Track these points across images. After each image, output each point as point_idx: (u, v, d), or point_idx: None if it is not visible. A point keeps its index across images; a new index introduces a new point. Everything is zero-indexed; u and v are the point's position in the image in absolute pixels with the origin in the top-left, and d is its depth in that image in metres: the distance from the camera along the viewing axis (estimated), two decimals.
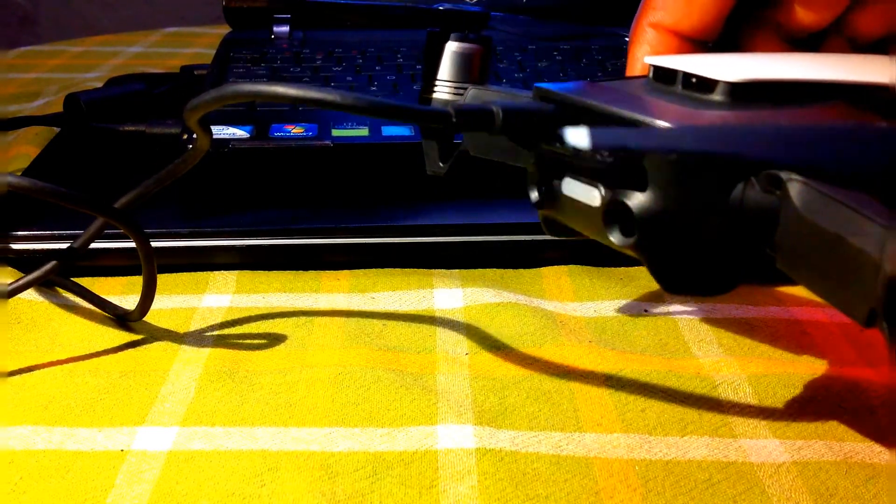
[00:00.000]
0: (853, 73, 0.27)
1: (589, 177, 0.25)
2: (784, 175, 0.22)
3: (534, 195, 0.28)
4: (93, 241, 0.35)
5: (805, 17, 0.31)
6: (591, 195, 0.25)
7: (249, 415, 0.31)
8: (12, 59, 0.80)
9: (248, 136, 0.45)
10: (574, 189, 0.26)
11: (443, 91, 0.33)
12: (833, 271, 0.22)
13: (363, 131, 0.47)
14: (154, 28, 0.91)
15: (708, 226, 0.24)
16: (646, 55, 0.31)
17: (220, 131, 0.45)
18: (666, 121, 0.24)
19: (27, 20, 1.75)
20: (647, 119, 0.24)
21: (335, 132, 0.47)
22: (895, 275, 0.20)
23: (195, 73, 0.61)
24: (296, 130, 0.47)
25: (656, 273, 0.24)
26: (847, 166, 0.22)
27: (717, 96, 0.26)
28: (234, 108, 0.51)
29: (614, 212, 0.24)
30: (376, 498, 0.27)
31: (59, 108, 0.56)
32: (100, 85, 0.62)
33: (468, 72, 0.33)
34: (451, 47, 0.33)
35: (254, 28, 0.66)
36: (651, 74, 0.28)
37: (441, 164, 0.34)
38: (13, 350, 0.35)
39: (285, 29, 0.65)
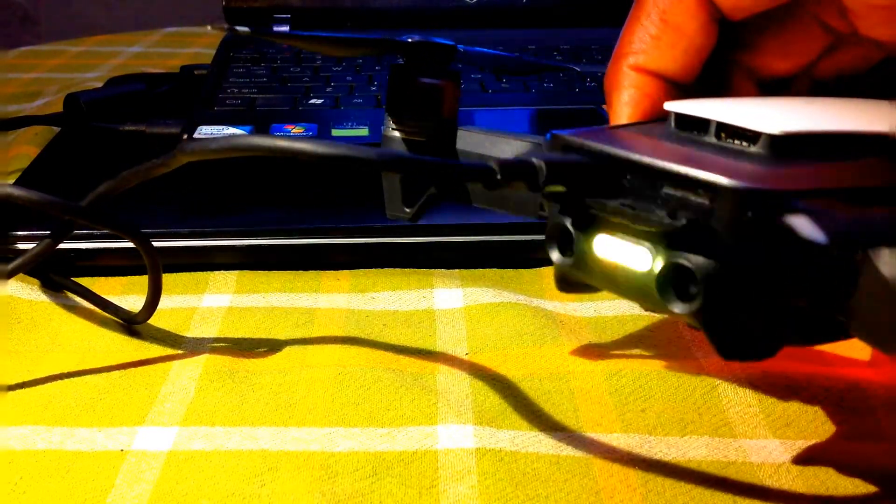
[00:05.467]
0: (887, 125, 0.26)
1: (637, 237, 0.24)
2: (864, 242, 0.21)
3: (555, 255, 0.26)
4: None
5: (781, 64, 0.31)
6: (636, 257, 0.24)
7: (249, 415, 0.31)
8: (12, 59, 0.80)
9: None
10: (612, 249, 0.24)
11: (406, 129, 0.31)
12: None
13: (363, 131, 0.47)
14: (154, 28, 0.91)
15: (781, 293, 0.22)
16: (631, 99, 0.30)
17: (221, 131, 0.46)
18: (733, 179, 0.22)
19: (27, 20, 1.75)
20: (713, 178, 0.22)
21: (335, 132, 0.47)
22: None
23: (195, 73, 0.61)
24: (296, 130, 0.47)
25: (717, 341, 0.23)
26: None
27: (758, 149, 0.24)
28: (235, 109, 0.51)
29: (669, 276, 0.23)
30: (376, 498, 0.27)
31: (59, 108, 0.56)
32: (100, 85, 0.62)
33: (436, 108, 0.30)
34: (417, 82, 0.30)
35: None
36: (673, 122, 0.27)
37: (406, 209, 0.32)
38: (13, 350, 0.35)
39: (285, 29, 0.65)
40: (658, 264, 0.23)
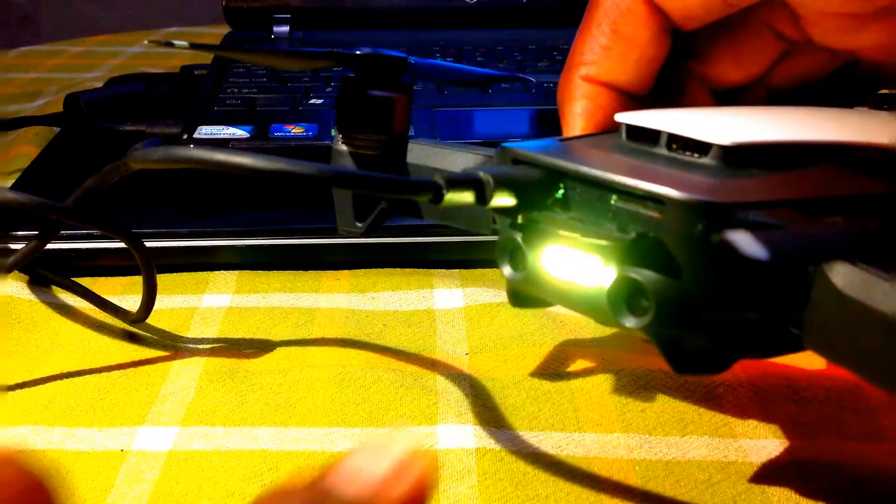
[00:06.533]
0: (841, 133, 0.26)
1: (587, 251, 0.23)
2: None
3: (507, 270, 0.25)
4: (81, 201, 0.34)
5: (734, 73, 0.31)
6: (586, 271, 0.23)
7: (249, 415, 0.31)
8: (12, 59, 0.80)
9: (248, 136, 0.45)
10: (562, 264, 0.24)
11: (356, 143, 0.30)
12: (885, 353, 0.20)
13: None
14: (154, 28, 0.91)
15: (734, 306, 0.22)
16: (584, 111, 0.30)
17: (220, 131, 0.46)
18: (682, 191, 0.22)
19: (27, 20, 1.75)
20: (662, 190, 0.22)
21: (335, 132, 0.47)
22: None
23: (195, 73, 0.61)
24: (296, 130, 0.47)
25: (670, 356, 0.23)
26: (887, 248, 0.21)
27: (709, 160, 0.24)
28: (234, 109, 0.51)
29: (620, 290, 0.22)
30: None
31: (59, 108, 0.56)
32: (100, 85, 0.62)
33: (387, 122, 0.29)
34: (367, 95, 0.29)
35: (254, 28, 0.66)
36: (624, 134, 0.26)
37: (358, 224, 0.31)
38: (13, 350, 0.35)
39: (285, 29, 0.65)
40: (609, 278, 0.23)
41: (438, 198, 0.23)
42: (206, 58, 0.63)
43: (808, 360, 0.33)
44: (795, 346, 0.23)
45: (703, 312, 0.22)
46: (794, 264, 0.21)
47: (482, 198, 0.23)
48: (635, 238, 0.22)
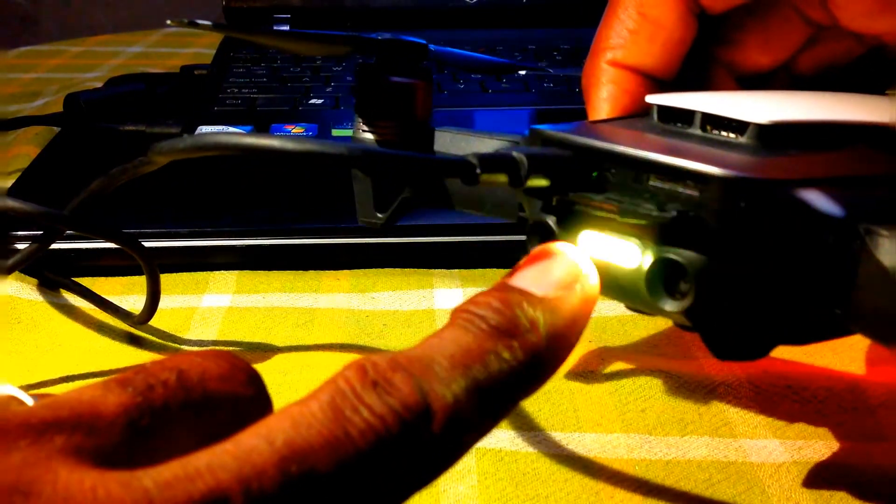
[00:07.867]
0: (872, 114, 0.26)
1: (624, 233, 0.22)
2: (862, 228, 0.20)
3: None
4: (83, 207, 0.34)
5: (761, 58, 0.31)
6: (623, 253, 0.23)
7: None
8: (12, 59, 0.80)
9: None
10: (597, 246, 0.23)
11: (378, 131, 0.29)
12: None
13: None
14: (154, 28, 0.91)
15: (776, 287, 0.21)
16: (610, 95, 0.30)
17: (220, 131, 0.45)
18: (723, 168, 0.21)
19: (27, 20, 1.75)
20: (704, 168, 0.21)
21: (335, 132, 0.47)
22: None
23: (195, 73, 0.61)
24: (296, 130, 0.47)
25: (711, 340, 0.22)
26: None
27: (745, 139, 0.24)
28: (235, 109, 0.51)
29: (659, 273, 0.22)
30: None
31: (59, 108, 0.56)
32: (100, 85, 0.62)
33: (409, 108, 0.29)
34: (388, 81, 0.29)
35: (254, 28, 0.66)
36: (655, 115, 0.26)
37: (379, 215, 0.30)
38: (13, 350, 0.35)
39: (285, 29, 0.65)
40: (647, 260, 0.22)
41: (472, 178, 0.22)
42: (207, 57, 0.63)
43: (808, 360, 0.33)
44: (839, 330, 0.22)
45: (745, 294, 0.22)
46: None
47: (516, 178, 0.22)
48: (675, 217, 0.21)
